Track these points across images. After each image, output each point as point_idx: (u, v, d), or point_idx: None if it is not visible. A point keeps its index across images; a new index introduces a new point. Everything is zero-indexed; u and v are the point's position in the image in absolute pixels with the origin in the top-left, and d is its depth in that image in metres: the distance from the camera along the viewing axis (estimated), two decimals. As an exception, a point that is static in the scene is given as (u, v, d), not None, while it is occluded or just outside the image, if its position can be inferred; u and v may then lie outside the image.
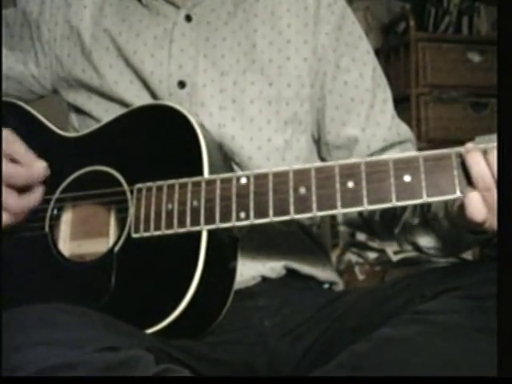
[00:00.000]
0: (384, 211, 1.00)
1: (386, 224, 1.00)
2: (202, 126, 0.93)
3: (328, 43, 1.04)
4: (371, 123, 1.04)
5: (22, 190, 0.93)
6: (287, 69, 1.02)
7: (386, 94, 1.07)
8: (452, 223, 0.85)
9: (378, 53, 3.24)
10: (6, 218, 0.92)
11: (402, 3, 3.18)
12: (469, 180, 0.75)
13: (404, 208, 0.95)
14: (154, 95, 1.02)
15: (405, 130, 1.08)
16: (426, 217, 0.91)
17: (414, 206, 0.94)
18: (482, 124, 2.80)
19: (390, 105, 1.07)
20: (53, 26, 1.09)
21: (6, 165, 0.91)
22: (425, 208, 0.91)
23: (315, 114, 1.06)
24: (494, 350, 0.68)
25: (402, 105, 2.86)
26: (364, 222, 1.06)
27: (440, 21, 3.01)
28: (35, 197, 0.94)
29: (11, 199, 0.91)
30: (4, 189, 0.91)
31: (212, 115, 1.00)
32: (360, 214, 1.05)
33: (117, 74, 1.03)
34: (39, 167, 0.93)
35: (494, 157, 0.74)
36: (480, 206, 0.74)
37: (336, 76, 1.04)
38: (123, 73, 1.03)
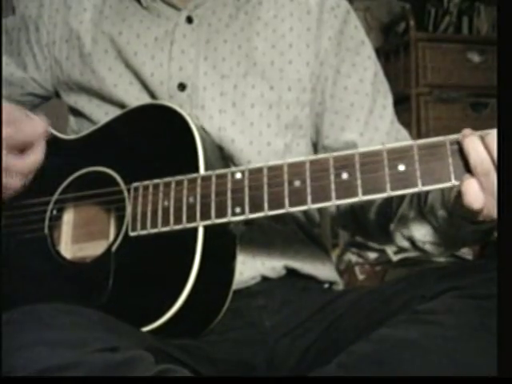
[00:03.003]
0: (379, 209, 1.00)
1: (381, 223, 1.00)
2: (201, 126, 0.93)
3: (330, 48, 1.04)
4: (370, 128, 1.04)
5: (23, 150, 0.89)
6: (288, 72, 1.02)
7: (385, 100, 1.06)
8: (449, 212, 0.85)
9: (378, 53, 3.24)
10: (15, 181, 0.88)
11: (402, 3, 3.18)
12: (466, 167, 0.75)
13: (400, 202, 0.95)
14: (153, 97, 1.02)
15: (404, 136, 1.07)
16: (422, 210, 0.91)
17: (411, 199, 0.93)
18: (482, 124, 2.79)
19: (389, 110, 1.06)
20: (52, 29, 1.09)
21: (3, 129, 0.86)
22: (421, 200, 0.91)
23: (314, 119, 1.06)
24: (494, 350, 0.68)
25: (402, 105, 2.86)
26: (358, 223, 1.05)
27: (440, 21, 3.01)
28: (39, 154, 0.89)
29: (16, 160, 0.88)
30: (6, 153, 0.87)
31: (212, 118, 0.99)
32: (354, 214, 1.04)
33: (116, 77, 1.03)
34: (39, 124, 0.89)
35: (492, 140, 0.74)
36: (477, 193, 0.73)
37: (336, 81, 1.04)
38: (123, 75, 1.03)
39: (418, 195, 0.91)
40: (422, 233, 0.92)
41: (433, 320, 0.75)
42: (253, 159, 1.00)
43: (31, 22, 1.10)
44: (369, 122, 1.04)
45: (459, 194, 0.76)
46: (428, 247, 0.93)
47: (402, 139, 1.06)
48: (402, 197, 0.94)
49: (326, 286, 1.08)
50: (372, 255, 2.47)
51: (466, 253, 2.34)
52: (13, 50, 1.12)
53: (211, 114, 1.00)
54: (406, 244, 0.96)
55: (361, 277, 2.45)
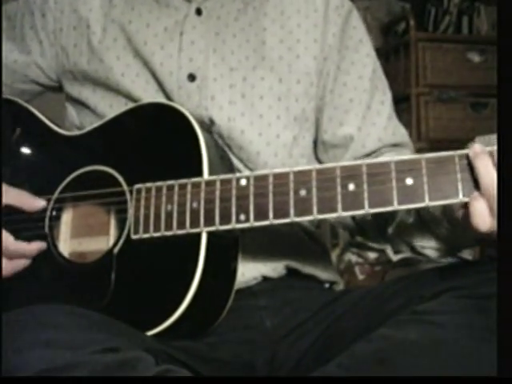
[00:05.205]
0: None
1: (378, 224, 1.00)
2: (203, 119, 0.92)
3: (334, 44, 1.05)
4: (367, 123, 1.05)
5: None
6: (297, 66, 1.03)
7: (384, 96, 1.08)
8: (451, 223, 0.85)
9: (378, 53, 3.24)
10: None
11: (402, 3, 3.18)
12: (474, 183, 0.74)
13: None
14: (162, 88, 1.01)
15: (402, 134, 1.08)
16: (421, 216, 0.91)
17: None
18: (482, 124, 2.80)
19: (387, 106, 1.07)
20: (59, 15, 1.08)
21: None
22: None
23: (316, 113, 1.06)
24: (494, 350, 0.68)
25: (402, 105, 2.86)
26: (356, 224, 1.05)
27: (440, 21, 3.01)
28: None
29: None
30: None
31: (222, 109, 0.99)
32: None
33: (124, 66, 1.02)
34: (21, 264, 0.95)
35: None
36: (486, 216, 0.72)
37: (337, 77, 1.05)
38: (130, 65, 1.02)
39: None
40: (421, 238, 0.92)
41: (432, 320, 0.75)
42: (262, 151, 1.00)
43: (36, 7, 1.09)
44: (366, 116, 1.05)
45: (466, 214, 0.75)
46: (427, 252, 0.93)
47: (399, 135, 1.07)
48: None
49: (327, 286, 1.08)
50: (372, 255, 2.47)
51: (466, 253, 2.34)
52: (16, 36, 1.11)
53: (221, 105, 1.00)
54: (404, 248, 0.96)
55: (361, 277, 2.45)
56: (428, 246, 0.92)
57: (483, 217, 0.73)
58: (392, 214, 0.96)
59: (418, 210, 0.91)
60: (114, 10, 1.05)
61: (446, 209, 0.84)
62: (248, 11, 1.05)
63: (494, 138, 0.75)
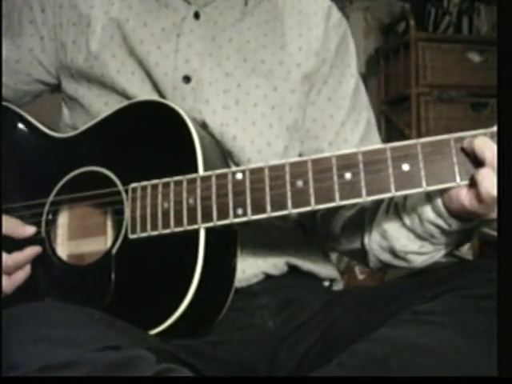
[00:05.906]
0: (348, 224, 1.00)
1: (350, 239, 1.00)
2: (196, 121, 0.92)
3: (328, 59, 1.06)
4: (339, 139, 1.05)
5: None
6: (295, 74, 1.03)
7: (359, 116, 1.08)
8: (437, 212, 0.84)
9: (377, 53, 3.25)
10: None
11: (402, 3, 3.19)
12: (471, 165, 0.74)
13: (373, 214, 0.95)
14: (156, 88, 1.01)
15: None
16: (401, 216, 0.90)
17: (387, 209, 0.93)
18: (482, 124, 2.80)
19: (361, 126, 1.07)
20: (58, 10, 1.07)
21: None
22: (399, 207, 0.90)
23: None
24: (493, 350, 0.68)
25: (402, 105, 2.87)
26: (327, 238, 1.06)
27: (440, 21, 3.02)
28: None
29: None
30: None
31: (215, 113, 0.99)
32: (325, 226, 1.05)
33: (119, 64, 1.02)
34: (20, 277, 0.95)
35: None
36: (494, 181, 0.73)
37: (321, 90, 1.06)
38: (125, 63, 1.02)
39: (395, 204, 0.91)
40: (402, 242, 0.91)
41: (433, 320, 0.75)
42: (253, 158, 1.00)
43: (35, 2, 1.08)
44: (339, 133, 1.05)
45: (472, 188, 0.75)
46: (410, 257, 0.92)
47: None
48: (376, 209, 0.95)
49: (327, 283, 1.08)
50: (372, 255, 2.46)
51: (466, 253, 2.34)
52: (14, 33, 1.10)
53: (215, 109, 0.99)
54: (387, 257, 0.95)
55: (361, 277, 2.45)
56: (410, 251, 0.90)
57: (492, 182, 0.72)
58: (367, 224, 0.96)
59: (397, 210, 0.90)
60: (111, 8, 1.04)
61: (433, 199, 0.84)
62: (246, 19, 1.05)
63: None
